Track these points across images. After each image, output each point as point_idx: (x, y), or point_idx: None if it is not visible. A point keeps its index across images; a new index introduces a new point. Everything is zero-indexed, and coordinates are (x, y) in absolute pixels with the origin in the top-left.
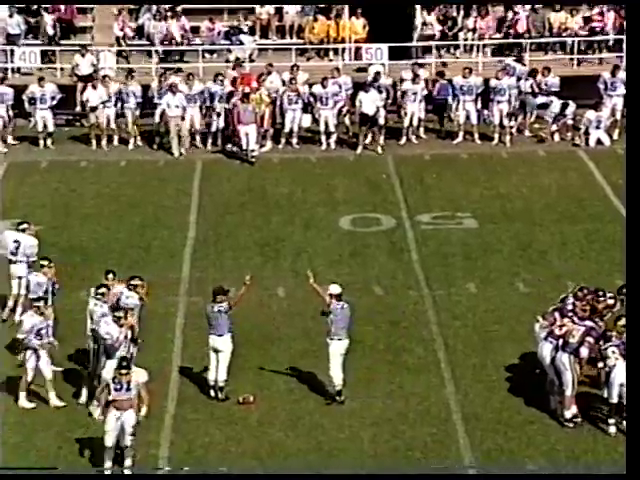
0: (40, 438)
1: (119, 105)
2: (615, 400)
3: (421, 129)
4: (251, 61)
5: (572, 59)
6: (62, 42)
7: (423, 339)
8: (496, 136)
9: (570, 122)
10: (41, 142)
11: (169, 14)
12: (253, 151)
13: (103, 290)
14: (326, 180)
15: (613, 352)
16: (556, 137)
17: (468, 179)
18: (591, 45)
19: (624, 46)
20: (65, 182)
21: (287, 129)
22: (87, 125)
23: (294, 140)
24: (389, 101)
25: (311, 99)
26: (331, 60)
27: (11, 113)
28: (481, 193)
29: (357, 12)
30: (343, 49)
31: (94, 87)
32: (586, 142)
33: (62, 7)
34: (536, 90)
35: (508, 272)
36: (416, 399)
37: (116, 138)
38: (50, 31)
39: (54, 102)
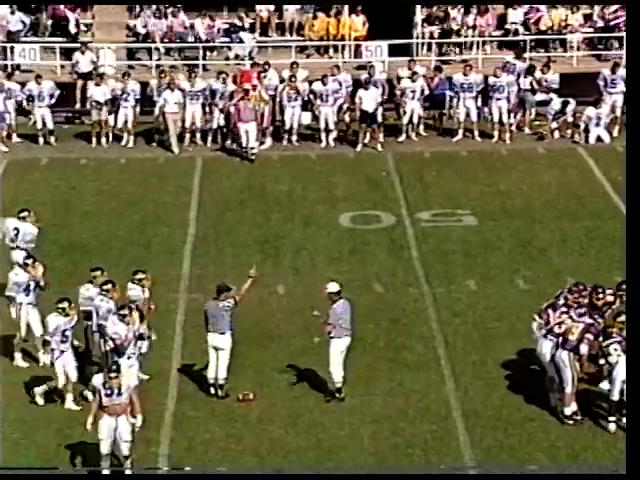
0: (40, 435)
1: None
2: (616, 398)
3: (421, 126)
4: (251, 59)
5: (572, 56)
6: (61, 39)
7: (423, 336)
8: (496, 133)
9: (570, 119)
10: (41, 139)
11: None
12: (253, 148)
13: (109, 286)
14: (326, 177)
15: (615, 349)
16: (556, 134)
17: (468, 176)
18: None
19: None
20: (65, 179)
21: (287, 126)
22: (89, 122)
23: (294, 137)
24: (385, 97)
25: (311, 96)
26: (331, 57)
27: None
28: (481, 190)
29: (357, 9)
30: (343, 46)
31: (97, 84)
32: (586, 139)
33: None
34: (536, 87)
35: (508, 269)
36: (416, 396)
37: (131, 138)
38: (73, 29)
39: (52, 100)
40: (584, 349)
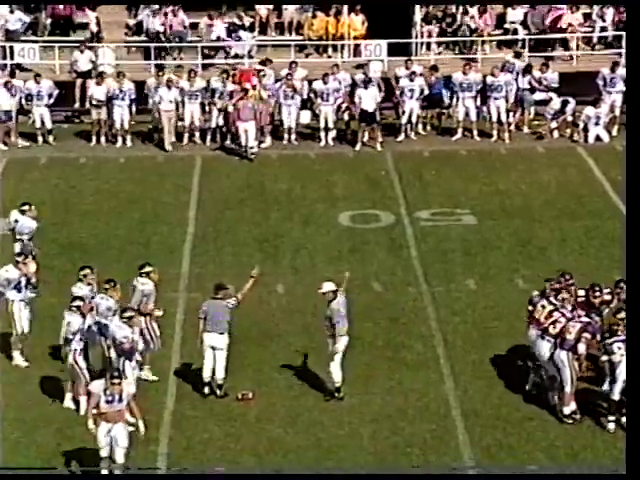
0: (40, 434)
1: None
2: (617, 397)
3: (419, 125)
4: (250, 57)
5: (571, 56)
6: (60, 38)
7: (422, 335)
8: (494, 133)
9: (569, 119)
10: (40, 138)
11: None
12: (252, 147)
13: (109, 285)
14: (325, 176)
15: (619, 348)
16: (555, 134)
17: (467, 175)
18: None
19: (623, 43)
20: (64, 178)
21: (285, 125)
22: (88, 121)
23: (293, 137)
24: (382, 96)
25: (312, 95)
26: (330, 57)
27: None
28: (480, 189)
29: (356, 9)
30: (342, 46)
31: (98, 83)
32: (585, 138)
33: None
34: (535, 86)
35: (507, 268)
36: (415, 395)
37: (128, 137)
38: (94, 28)
39: (51, 100)
40: (582, 348)
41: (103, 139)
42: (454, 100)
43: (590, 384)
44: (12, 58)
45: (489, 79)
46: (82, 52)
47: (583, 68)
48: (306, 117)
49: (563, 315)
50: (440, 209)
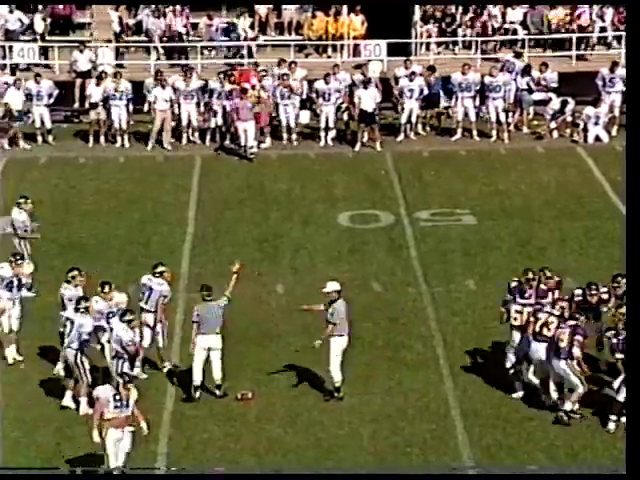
0: (40, 434)
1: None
2: (622, 399)
3: (419, 126)
4: (249, 57)
5: (570, 56)
6: (60, 38)
7: (422, 335)
8: (494, 133)
9: (569, 119)
10: (39, 138)
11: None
12: (252, 147)
13: (107, 289)
14: (325, 177)
15: None
16: (555, 134)
17: (467, 176)
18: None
19: (623, 43)
20: (64, 178)
21: (284, 125)
22: (87, 121)
23: (294, 136)
24: (380, 96)
25: (313, 95)
26: (329, 57)
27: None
28: (480, 190)
29: (356, 9)
30: (342, 46)
31: (97, 84)
32: (585, 139)
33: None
34: (533, 86)
35: (507, 268)
36: (415, 395)
37: (126, 137)
38: (117, 28)
39: (51, 100)
40: (577, 352)
41: (102, 139)
42: (453, 100)
43: (589, 383)
44: (11, 58)
45: (487, 79)
46: (81, 52)
47: (582, 68)
48: (306, 117)
49: (550, 313)
50: (440, 209)
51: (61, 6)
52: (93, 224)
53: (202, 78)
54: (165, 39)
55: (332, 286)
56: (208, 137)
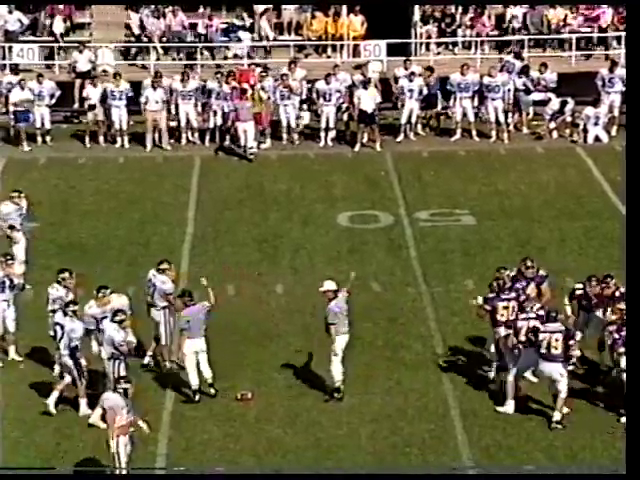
0: (39, 434)
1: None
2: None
3: (419, 126)
4: (249, 58)
5: (570, 56)
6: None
7: (421, 335)
8: (493, 133)
9: (569, 119)
10: (39, 139)
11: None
12: (251, 148)
13: (101, 294)
14: (324, 177)
15: None
16: (554, 134)
17: (466, 176)
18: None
19: (622, 43)
20: (64, 179)
21: (284, 125)
22: (86, 122)
23: (295, 136)
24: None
25: (313, 95)
26: (329, 57)
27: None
28: (479, 190)
29: (355, 9)
30: (341, 46)
31: (94, 85)
32: (584, 139)
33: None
34: (530, 87)
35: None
36: (414, 395)
37: (126, 138)
38: (136, 30)
39: (53, 100)
40: (576, 353)
41: (102, 139)
42: (451, 101)
43: (583, 383)
44: (11, 58)
45: (486, 79)
46: (81, 52)
47: (582, 68)
48: (306, 117)
49: (537, 318)
50: (439, 209)
51: (61, 6)
52: (93, 224)
53: (202, 79)
54: (165, 39)
55: (328, 285)
56: (207, 137)
